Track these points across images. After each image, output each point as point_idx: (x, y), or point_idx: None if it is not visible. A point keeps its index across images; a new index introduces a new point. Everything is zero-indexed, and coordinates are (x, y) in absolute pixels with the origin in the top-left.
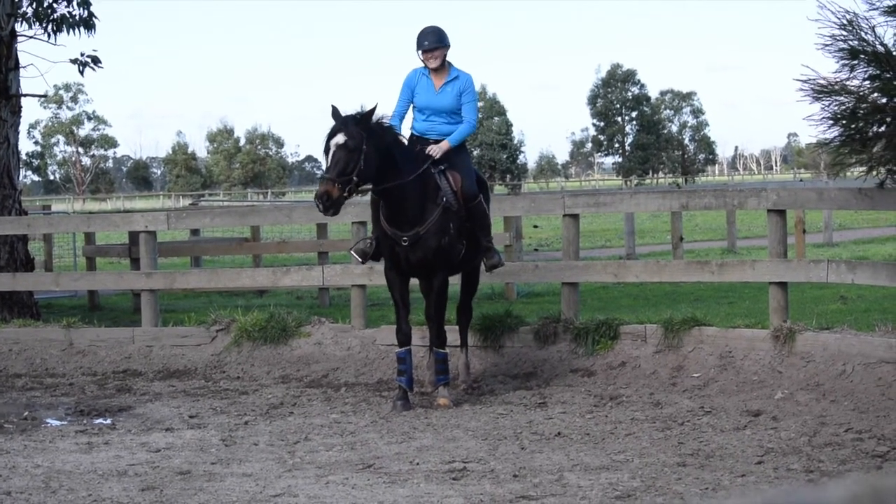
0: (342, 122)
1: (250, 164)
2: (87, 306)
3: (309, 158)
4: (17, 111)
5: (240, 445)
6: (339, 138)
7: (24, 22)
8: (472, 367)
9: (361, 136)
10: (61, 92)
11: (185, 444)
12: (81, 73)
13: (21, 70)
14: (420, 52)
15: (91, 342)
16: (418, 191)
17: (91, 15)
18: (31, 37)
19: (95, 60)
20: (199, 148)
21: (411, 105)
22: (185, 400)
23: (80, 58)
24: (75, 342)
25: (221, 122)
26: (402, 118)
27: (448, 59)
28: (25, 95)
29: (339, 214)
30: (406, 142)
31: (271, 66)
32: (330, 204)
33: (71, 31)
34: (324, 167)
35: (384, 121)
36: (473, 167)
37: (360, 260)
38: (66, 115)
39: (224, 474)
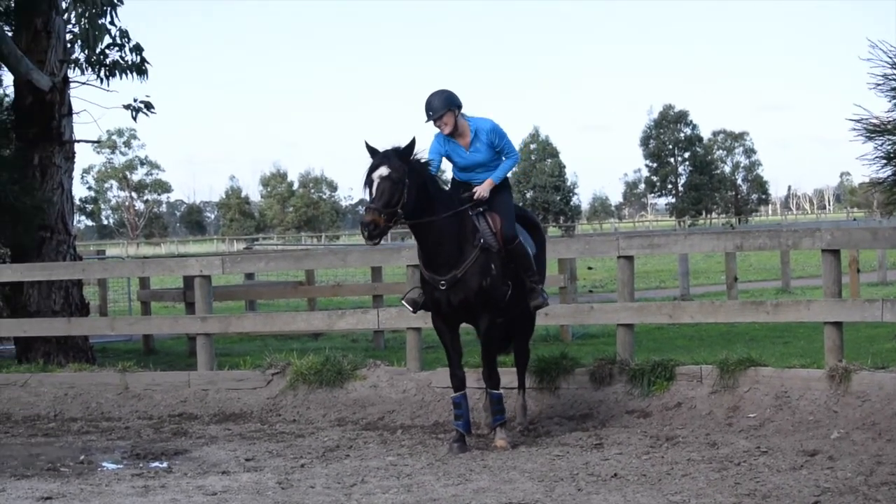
0: (384, 156)
1: (304, 207)
2: (142, 350)
3: (363, 202)
4: (70, 157)
5: (296, 488)
6: (384, 170)
7: (76, 68)
8: (528, 409)
9: (404, 168)
10: (114, 137)
11: (241, 488)
12: (134, 118)
13: (74, 116)
14: (432, 122)
15: (147, 386)
16: (454, 231)
17: (143, 60)
18: (83, 83)
19: (148, 106)
20: (253, 192)
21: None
22: (241, 443)
23: (133, 103)
24: (131, 386)
25: (274, 165)
26: (436, 170)
27: (462, 112)
28: (79, 141)
29: (395, 258)
30: (440, 183)
31: (323, 110)
32: (377, 233)
33: (123, 76)
34: (367, 199)
35: (422, 158)
36: (520, 208)
37: (411, 310)
38: (119, 160)
39: None
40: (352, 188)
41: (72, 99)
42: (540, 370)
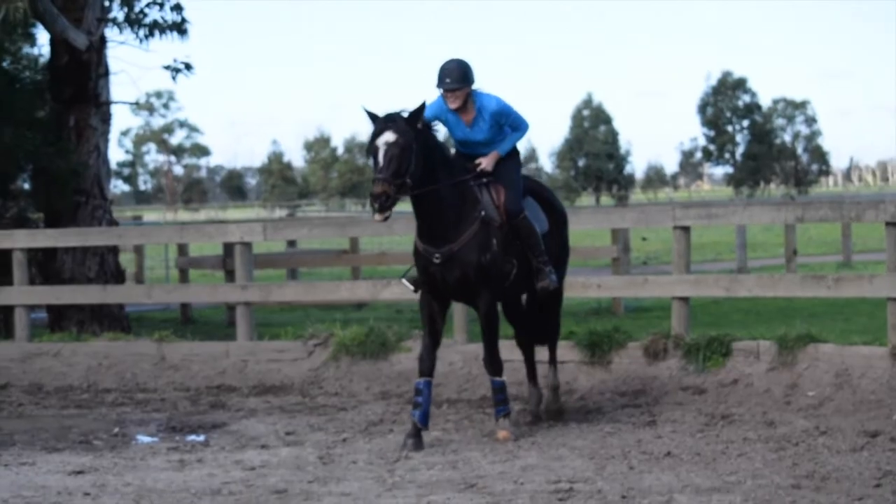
0: (390, 119)
1: (348, 173)
2: (180, 320)
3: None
4: (107, 119)
5: (338, 463)
6: (390, 136)
7: (114, 27)
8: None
9: (412, 133)
10: (152, 99)
11: (280, 462)
12: (174, 79)
13: (111, 77)
14: (441, 89)
15: (184, 356)
16: (454, 202)
17: (184, 20)
18: (121, 42)
19: (188, 66)
20: (296, 157)
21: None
22: (281, 416)
23: (173, 64)
24: (167, 356)
25: (318, 130)
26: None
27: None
28: (116, 103)
29: None
30: (447, 149)
31: (369, 72)
32: (389, 204)
33: (163, 36)
34: (374, 168)
35: (430, 124)
36: (537, 182)
37: (412, 288)
38: (157, 122)
39: (321, 493)
40: None
41: (109, 59)
42: (591, 344)
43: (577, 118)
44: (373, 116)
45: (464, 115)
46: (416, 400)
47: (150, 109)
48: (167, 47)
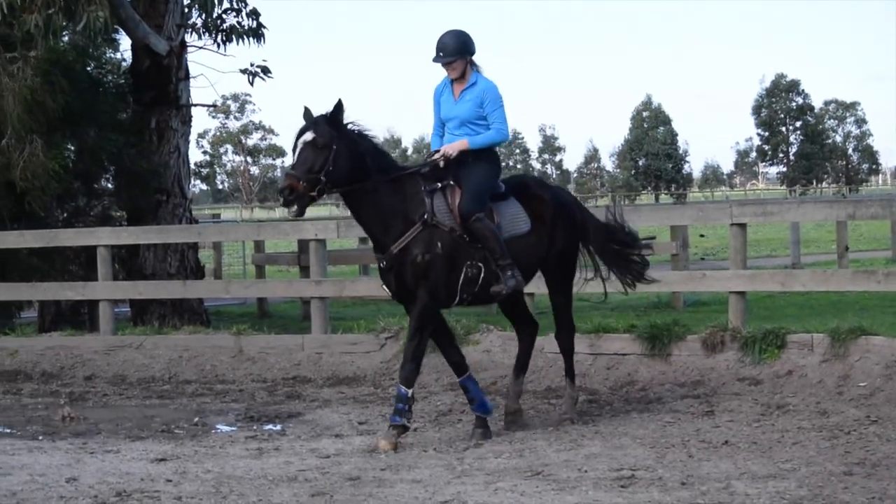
0: (313, 121)
1: None
2: (257, 314)
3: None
4: (186, 121)
5: (409, 452)
6: (308, 136)
7: (193, 32)
8: (578, 402)
9: (331, 134)
10: (229, 102)
11: (354, 451)
12: (251, 83)
13: (191, 80)
14: (438, 63)
15: (261, 349)
16: (393, 205)
17: (260, 25)
18: (200, 47)
19: (265, 70)
20: None
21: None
22: (354, 406)
23: (250, 68)
24: (245, 349)
25: (388, 131)
26: (440, 137)
27: (477, 64)
28: (195, 105)
29: None
30: (387, 156)
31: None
32: (294, 198)
33: (240, 41)
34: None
35: (360, 126)
36: (553, 188)
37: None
38: (233, 124)
39: (393, 480)
40: None
41: (189, 63)
42: (652, 337)
43: (637, 119)
44: (306, 115)
45: (458, 85)
46: (470, 396)
47: (227, 112)
48: (244, 51)
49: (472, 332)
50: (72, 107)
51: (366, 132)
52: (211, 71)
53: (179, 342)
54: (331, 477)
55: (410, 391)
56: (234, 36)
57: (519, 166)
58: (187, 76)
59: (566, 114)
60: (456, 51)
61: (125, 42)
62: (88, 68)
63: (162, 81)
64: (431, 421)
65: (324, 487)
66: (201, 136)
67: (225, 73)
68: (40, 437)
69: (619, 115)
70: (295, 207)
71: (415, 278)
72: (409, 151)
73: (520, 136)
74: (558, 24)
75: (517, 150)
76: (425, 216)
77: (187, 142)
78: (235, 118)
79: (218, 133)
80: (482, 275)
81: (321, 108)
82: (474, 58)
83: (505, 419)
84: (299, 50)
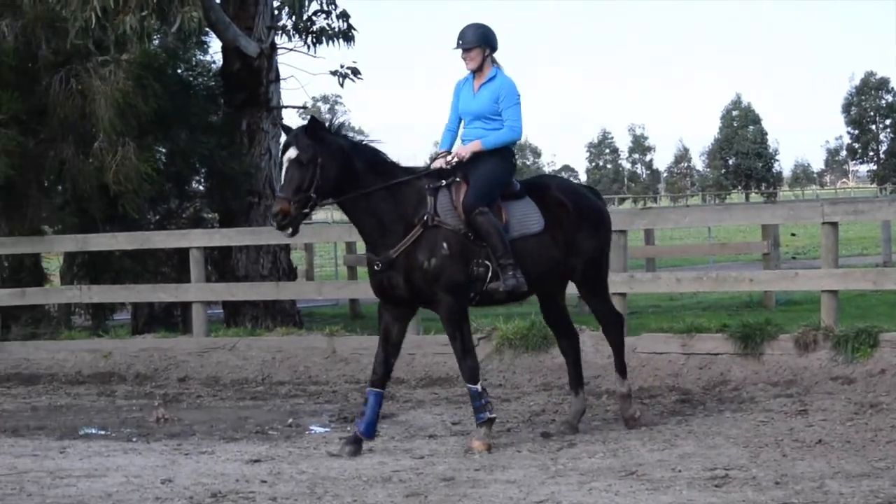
0: (293, 135)
1: None
2: (349, 315)
3: (566, 167)
4: (277, 123)
5: (502, 453)
6: (291, 153)
7: (283, 35)
8: (583, 414)
9: (314, 148)
10: (319, 104)
11: (448, 451)
12: (341, 84)
13: (281, 82)
14: (458, 50)
15: (354, 350)
16: (390, 207)
17: (350, 27)
18: (290, 49)
19: (355, 72)
20: None
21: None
22: (447, 407)
23: (340, 69)
24: (338, 350)
25: None
26: (453, 132)
27: (498, 61)
28: (286, 107)
29: None
30: (379, 154)
31: (527, 75)
32: (287, 223)
33: (330, 43)
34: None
35: (341, 129)
36: (574, 186)
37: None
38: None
39: (488, 481)
40: (555, 154)
41: (279, 65)
42: (744, 336)
43: (727, 118)
44: (285, 129)
45: (477, 79)
46: (362, 409)
47: (317, 113)
48: (334, 53)
49: None
50: (163, 109)
51: (344, 134)
52: (301, 73)
53: (273, 344)
54: (425, 477)
55: (479, 386)
56: (324, 38)
57: (609, 166)
58: (278, 78)
59: (656, 113)
60: (475, 40)
61: (215, 45)
62: (179, 71)
63: (252, 83)
64: (525, 421)
65: (418, 488)
66: None
67: (315, 74)
68: (135, 439)
69: (709, 114)
70: (290, 230)
71: (428, 284)
72: None
73: (609, 135)
74: (647, 24)
75: (606, 150)
76: (425, 217)
77: (278, 143)
78: (326, 120)
79: None
80: (489, 273)
81: (409, 110)
82: (496, 56)
83: (562, 429)
84: (389, 50)
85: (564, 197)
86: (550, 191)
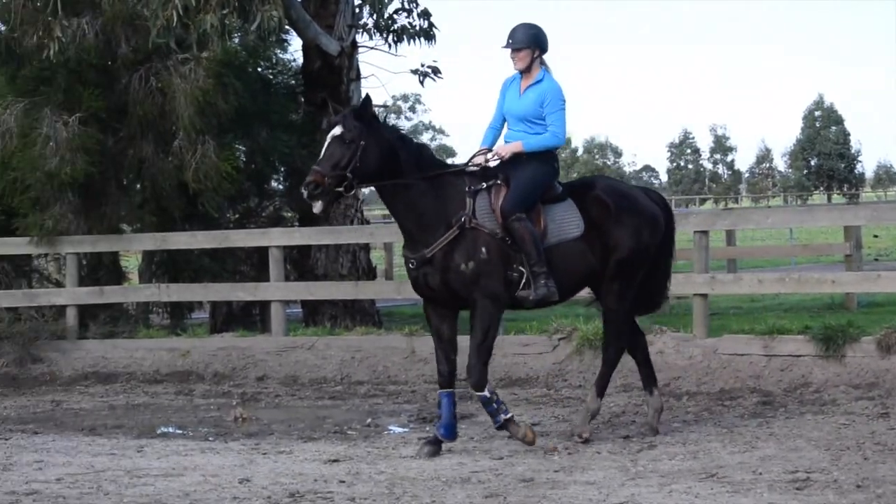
0: (341, 116)
1: (587, 174)
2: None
3: (647, 168)
4: None
5: (582, 454)
6: (336, 130)
7: (364, 33)
8: (662, 412)
9: (360, 129)
10: (399, 102)
11: (527, 452)
12: (422, 83)
13: (362, 80)
14: (506, 49)
15: (433, 350)
16: (427, 203)
17: (431, 26)
18: (371, 48)
19: (436, 71)
20: None
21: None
22: (526, 408)
23: (421, 68)
24: (417, 350)
25: None
26: (496, 130)
27: (547, 63)
28: None
29: (682, 223)
30: (426, 150)
31: (604, 74)
32: (318, 193)
33: (411, 41)
34: None
35: (387, 121)
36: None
37: None
38: (404, 125)
39: (567, 482)
40: (636, 154)
41: (360, 64)
42: (826, 338)
43: (809, 119)
44: (335, 110)
45: (525, 80)
46: (438, 412)
47: (398, 112)
48: (415, 51)
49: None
50: (243, 107)
51: (391, 125)
52: (382, 71)
53: (352, 343)
54: (504, 478)
55: (486, 392)
56: (405, 36)
57: (690, 166)
58: (358, 77)
59: (737, 114)
60: (525, 41)
61: (295, 43)
62: (260, 69)
63: (333, 82)
64: (605, 422)
65: (497, 489)
66: None
67: (396, 73)
68: (212, 438)
69: (791, 115)
70: (319, 203)
71: (466, 286)
72: (580, 152)
73: (690, 135)
74: (729, 23)
75: (688, 150)
76: (462, 219)
77: None
78: (406, 119)
79: None
80: (523, 280)
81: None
82: (546, 58)
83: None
84: (470, 49)
85: (608, 197)
86: (593, 191)
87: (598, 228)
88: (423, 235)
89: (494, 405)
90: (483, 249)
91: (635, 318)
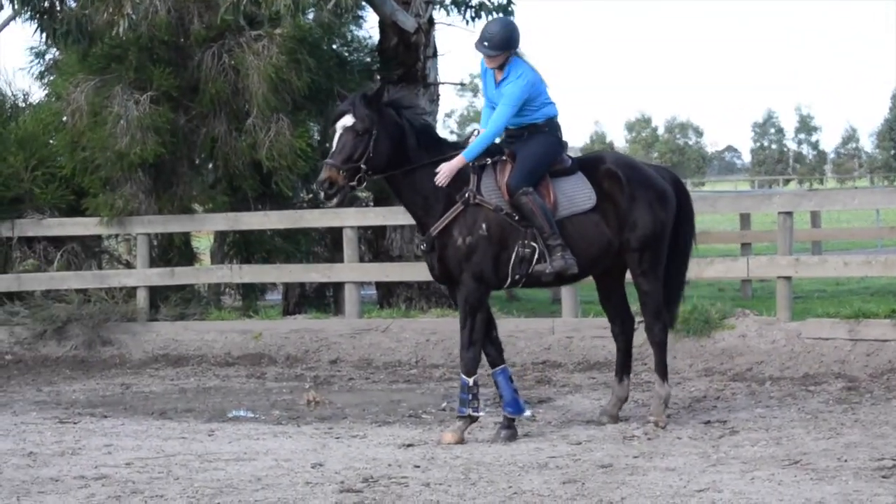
0: (350, 103)
1: (668, 153)
2: (506, 297)
3: (729, 149)
4: (434, 99)
5: (662, 439)
6: (347, 120)
7: (441, 9)
8: (669, 402)
9: (371, 119)
10: (476, 80)
11: (606, 437)
12: None
13: (438, 58)
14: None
15: (510, 333)
16: (433, 183)
17: (509, 1)
18: (448, 24)
19: None
20: (618, 137)
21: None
22: (605, 392)
23: None
24: None
25: (640, 111)
26: (493, 109)
27: (519, 53)
28: (443, 83)
29: (766, 204)
30: (430, 131)
31: (689, 54)
32: (334, 192)
33: (489, 17)
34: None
35: (402, 102)
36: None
37: None
38: (481, 103)
39: (647, 468)
40: (718, 134)
41: (436, 41)
42: None
43: None
44: (340, 96)
45: (499, 74)
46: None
47: (475, 90)
48: None
49: (728, 317)
50: (317, 85)
51: (406, 107)
52: (459, 48)
53: (427, 325)
54: (582, 464)
55: (472, 379)
56: (482, 12)
57: (773, 146)
58: (435, 54)
59: (823, 94)
60: (501, 45)
61: (371, 19)
62: (334, 46)
63: (410, 59)
64: (686, 407)
65: (575, 475)
66: (447, 115)
67: (473, 50)
68: (285, 422)
69: (879, 95)
70: (335, 201)
71: (458, 262)
72: (660, 131)
73: (775, 115)
74: (814, 4)
75: (772, 130)
76: (467, 195)
77: (435, 121)
78: (483, 97)
79: (465, 112)
80: (536, 255)
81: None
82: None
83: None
84: (550, 25)
85: (619, 169)
86: (604, 164)
87: (611, 201)
88: (430, 216)
89: (469, 395)
90: (483, 226)
91: (627, 303)
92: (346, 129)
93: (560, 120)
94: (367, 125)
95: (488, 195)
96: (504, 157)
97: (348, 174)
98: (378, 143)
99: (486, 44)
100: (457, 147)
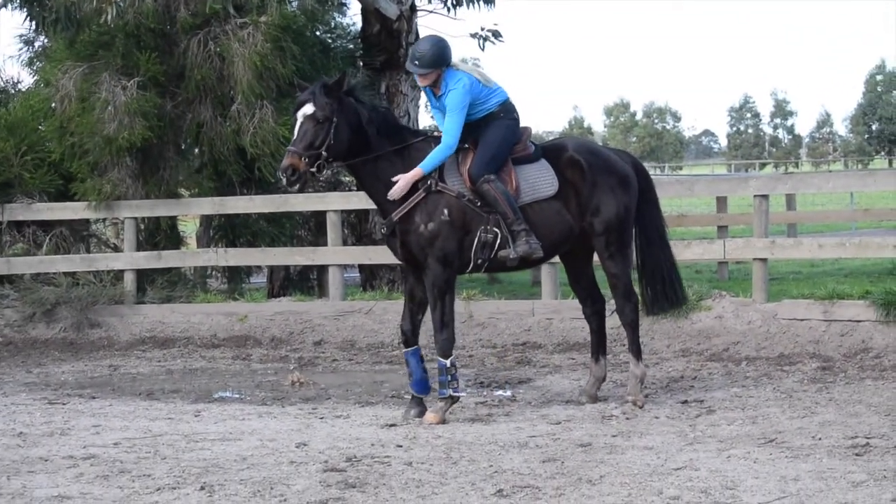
0: (311, 92)
1: (647, 137)
2: (486, 279)
3: (706, 132)
4: (416, 86)
5: (640, 418)
6: (308, 108)
7: None
8: (645, 381)
9: (332, 107)
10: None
11: (585, 417)
12: (482, 47)
13: None
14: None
15: (491, 314)
16: (395, 170)
17: None
18: (430, 11)
19: (496, 34)
20: (596, 122)
21: None
22: (584, 373)
23: (480, 32)
24: (475, 314)
25: (619, 96)
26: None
27: (453, 64)
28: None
29: (742, 188)
30: (392, 118)
31: (667, 39)
32: (296, 178)
33: (471, 5)
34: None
35: (359, 91)
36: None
37: None
38: None
39: (625, 447)
40: (696, 118)
41: (419, 27)
42: (887, 303)
43: (871, 83)
44: (300, 86)
45: (436, 90)
46: (409, 371)
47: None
48: (475, 15)
49: (705, 298)
50: (302, 72)
51: (365, 96)
52: (441, 35)
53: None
54: (562, 443)
55: (449, 361)
56: (464, 0)
57: (750, 130)
58: (417, 40)
59: (798, 78)
60: (432, 64)
61: (354, 6)
62: (318, 33)
63: (392, 46)
64: (663, 387)
65: (555, 453)
66: None
67: (455, 37)
68: (269, 403)
69: (852, 80)
70: (297, 187)
71: (421, 248)
72: (639, 116)
73: (751, 100)
74: None
75: (748, 115)
76: (429, 182)
77: (417, 106)
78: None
79: None
80: (498, 240)
81: (551, 73)
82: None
83: (581, 399)
84: (530, 12)
85: (580, 156)
86: (566, 151)
87: (573, 187)
88: (391, 203)
89: (448, 377)
90: (445, 211)
91: (596, 284)
92: (307, 118)
93: (513, 101)
94: (328, 113)
95: (451, 183)
96: (466, 146)
97: (309, 161)
98: (339, 131)
99: (416, 63)
100: (417, 135)
